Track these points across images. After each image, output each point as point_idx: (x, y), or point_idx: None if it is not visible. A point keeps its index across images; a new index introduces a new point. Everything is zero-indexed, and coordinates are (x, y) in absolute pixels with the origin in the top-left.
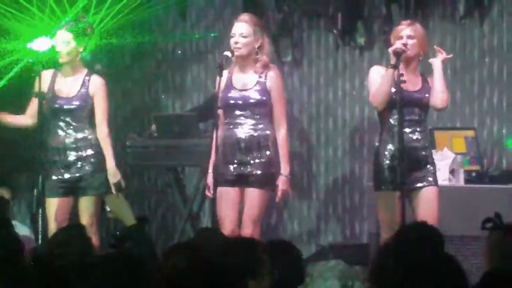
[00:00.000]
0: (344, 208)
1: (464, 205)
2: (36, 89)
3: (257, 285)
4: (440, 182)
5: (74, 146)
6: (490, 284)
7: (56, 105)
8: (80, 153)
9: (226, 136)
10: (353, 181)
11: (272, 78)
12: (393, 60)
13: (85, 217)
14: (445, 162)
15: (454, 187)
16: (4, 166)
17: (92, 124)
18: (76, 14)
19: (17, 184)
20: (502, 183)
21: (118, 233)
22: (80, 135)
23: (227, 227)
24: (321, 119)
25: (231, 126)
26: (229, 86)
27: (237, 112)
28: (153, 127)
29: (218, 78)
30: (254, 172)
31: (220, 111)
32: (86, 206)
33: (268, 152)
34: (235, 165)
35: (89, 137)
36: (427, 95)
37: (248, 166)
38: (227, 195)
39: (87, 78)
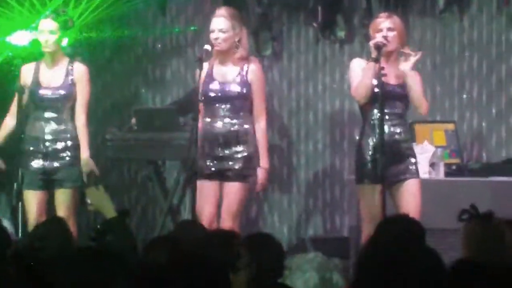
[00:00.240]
0: (325, 201)
1: (444, 198)
2: (18, 84)
3: (235, 279)
4: (420, 176)
5: (53, 137)
6: (462, 272)
7: (42, 96)
8: (59, 144)
9: (205, 130)
10: (334, 175)
11: (253, 71)
12: (374, 54)
13: (62, 210)
14: (425, 156)
15: (434, 180)
16: None
17: (74, 117)
18: (56, 8)
19: None
20: (482, 176)
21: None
22: (60, 127)
23: (206, 221)
24: (301, 113)
25: (211, 120)
26: (210, 78)
27: (217, 105)
28: (133, 120)
29: (198, 71)
30: (233, 167)
31: (200, 105)
32: (62, 199)
33: (247, 147)
34: (214, 159)
35: (70, 129)
36: (406, 90)
37: (227, 161)
38: (206, 189)
39: (70, 66)
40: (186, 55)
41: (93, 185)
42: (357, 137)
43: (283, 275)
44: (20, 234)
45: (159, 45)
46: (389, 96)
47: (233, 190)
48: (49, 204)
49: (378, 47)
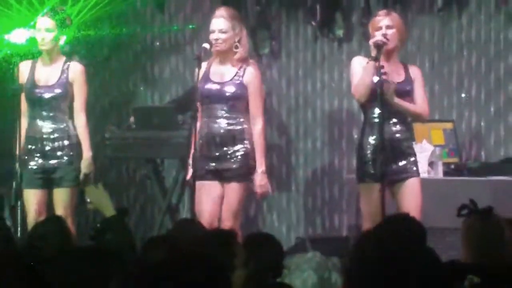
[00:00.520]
0: (323, 200)
1: (443, 197)
2: (16, 82)
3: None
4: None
5: (51, 136)
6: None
7: (37, 94)
8: (57, 143)
9: (203, 130)
10: (332, 173)
11: (250, 73)
12: (374, 52)
13: (60, 209)
14: (424, 155)
15: (432, 179)
16: None
17: (71, 116)
18: (54, 6)
19: None
20: (481, 175)
21: (98, 225)
22: (58, 126)
23: (206, 221)
24: (300, 111)
25: (208, 120)
26: (207, 78)
27: (213, 105)
28: (132, 119)
29: (196, 70)
30: (230, 167)
31: (198, 104)
32: (61, 198)
33: (244, 146)
34: (212, 159)
35: (68, 128)
36: (409, 87)
37: (225, 161)
38: (207, 189)
39: (66, 65)
40: (184, 53)
41: (92, 184)
42: (357, 136)
43: (282, 274)
44: (19, 233)
45: (158, 43)
46: None
47: (232, 190)
48: (48, 203)
49: (378, 46)
